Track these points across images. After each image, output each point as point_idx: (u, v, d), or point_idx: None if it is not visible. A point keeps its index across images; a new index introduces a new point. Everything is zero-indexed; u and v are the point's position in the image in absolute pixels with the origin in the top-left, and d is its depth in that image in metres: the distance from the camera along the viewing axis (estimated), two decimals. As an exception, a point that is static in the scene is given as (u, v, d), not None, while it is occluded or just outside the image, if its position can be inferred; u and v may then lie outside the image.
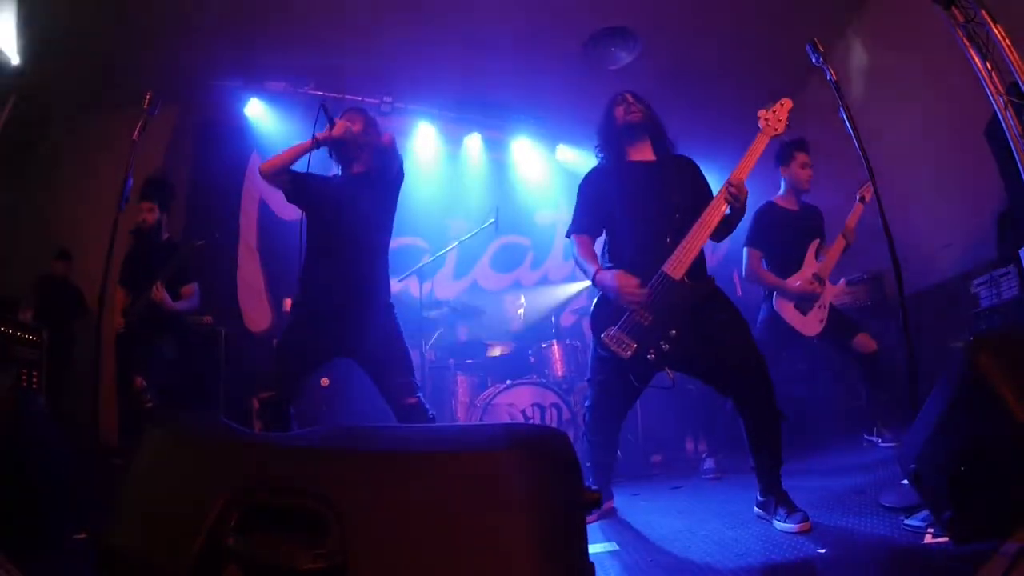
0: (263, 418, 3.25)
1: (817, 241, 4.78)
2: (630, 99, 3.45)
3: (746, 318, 3.18)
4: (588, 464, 3.59)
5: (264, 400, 3.18)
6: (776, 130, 3.14)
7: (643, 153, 3.41)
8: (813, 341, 4.63)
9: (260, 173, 3.51)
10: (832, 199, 5.09)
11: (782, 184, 4.89)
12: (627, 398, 3.42)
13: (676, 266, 2.99)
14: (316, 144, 3.45)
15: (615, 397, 3.36)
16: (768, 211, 4.85)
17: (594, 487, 3.42)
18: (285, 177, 3.49)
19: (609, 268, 3.16)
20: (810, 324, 4.60)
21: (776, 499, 2.92)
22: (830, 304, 4.70)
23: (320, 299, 3.35)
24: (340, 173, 3.66)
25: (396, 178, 3.62)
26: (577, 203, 3.46)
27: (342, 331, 3.30)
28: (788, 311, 4.62)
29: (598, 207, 3.36)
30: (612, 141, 3.45)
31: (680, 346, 2.97)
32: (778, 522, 2.84)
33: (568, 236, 3.44)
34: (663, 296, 2.98)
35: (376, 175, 3.54)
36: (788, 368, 4.77)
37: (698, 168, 3.45)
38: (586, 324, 7.08)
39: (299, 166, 3.48)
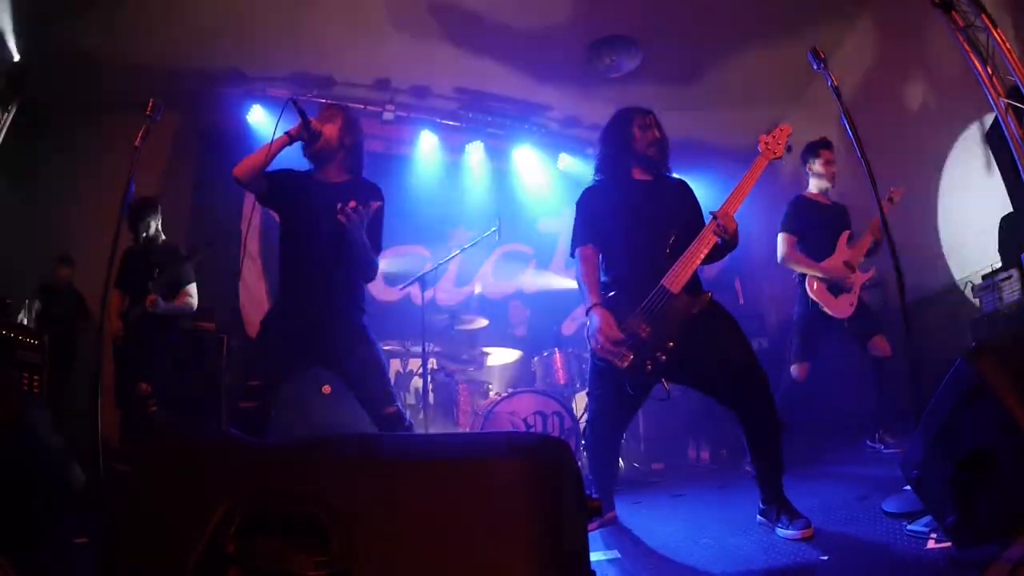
0: (242, 428, 3.18)
1: (848, 232, 4.86)
2: (653, 123, 3.45)
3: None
4: (590, 476, 3.58)
5: (245, 409, 3.14)
6: (775, 154, 3.21)
7: (643, 172, 3.44)
8: (844, 324, 4.71)
9: (234, 177, 3.35)
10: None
11: (810, 181, 5.05)
12: (626, 410, 3.41)
13: (674, 280, 3.01)
14: (289, 140, 3.34)
15: (614, 409, 3.35)
16: (800, 201, 5.01)
17: (595, 496, 3.44)
18: (261, 180, 3.36)
19: (606, 300, 3.16)
20: (841, 307, 4.70)
21: (778, 506, 2.91)
22: (859, 295, 4.80)
23: (297, 310, 3.32)
24: (314, 171, 3.53)
25: (379, 215, 3.51)
26: (577, 218, 3.45)
27: (319, 343, 3.28)
28: (821, 292, 4.71)
29: (598, 221, 3.35)
30: (624, 160, 3.44)
31: (677, 358, 2.98)
32: (780, 529, 2.83)
33: (573, 254, 3.41)
34: (661, 309, 3.00)
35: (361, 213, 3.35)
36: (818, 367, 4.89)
37: (691, 191, 3.49)
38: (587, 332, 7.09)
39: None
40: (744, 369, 3.01)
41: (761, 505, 3.05)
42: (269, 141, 3.29)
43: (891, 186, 4.66)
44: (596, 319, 3.05)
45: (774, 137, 3.24)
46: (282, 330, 3.30)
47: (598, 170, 3.56)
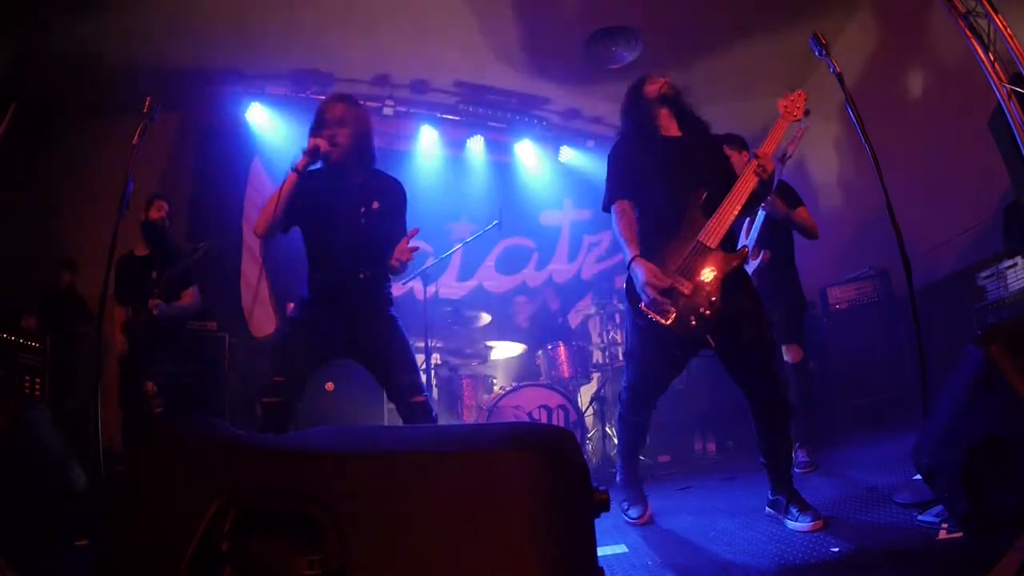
0: (264, 423, 3.19)
1: (748, 219, 4.61)
2: (660, 78, 3.44)
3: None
4: (616, 451, 3.59)
5: (268, 405, 3.13)
6: (795, 116, 3.21)
7: (671, 129, 3.39)
8: None
9: (256, 235, 3.30)
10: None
11: None
12: (668, 371, 3.34)
13: (711, 235, 3.00)
14: (298, 175, 3.17)
15: (657, 370, 3.30)
16: None
17: (626, 476, 3.49)
18: (283, 222, 3.28)
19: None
20: None
21: (787, 497, 2.90)
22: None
23: (324, 306, 3.28)
24: (326, 170, 3.34)
25: (402, 208, 3.46)
26: (610, 171, 3.41)
27: (347, 335, 3.26)
28: None
29: (632, 175, 3.32)
30: (645, 114, 3.40)
31: (720, 312, 2.95)
32: (790, 521, 2.81)
33: (607, 208, 3.37)
34: (700, 264, 2.99)
35: (383, 211, 3.34)
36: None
37: (720, 145, 3.50)
38: (592, 324, 7.07)
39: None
40: (755, 348, 3.02)
41: (770, 496, 3.04)
42: (278, 186, 3.15)
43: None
44: (640, 271, 2.99)
45: (792, 101, 3.23)
46: (309, 326, 3.27)
47: (623, 131, 3.53)
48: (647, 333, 3.15)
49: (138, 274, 4.81)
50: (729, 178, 3.19)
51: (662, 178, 3.23)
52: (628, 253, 3.13)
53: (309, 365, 3.28)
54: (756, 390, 3.03)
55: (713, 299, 2.95)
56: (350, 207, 3.29)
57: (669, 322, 2.95)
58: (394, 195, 3.46)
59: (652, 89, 3.40)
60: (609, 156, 3.46)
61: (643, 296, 3.00)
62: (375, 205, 3.33)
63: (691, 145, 3.34)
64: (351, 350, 3.35)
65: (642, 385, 3.36)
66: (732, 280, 3.02)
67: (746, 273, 3.20)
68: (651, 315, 2.98)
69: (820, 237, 4.44)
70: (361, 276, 3.28)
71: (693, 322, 2.94)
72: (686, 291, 2.95)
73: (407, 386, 3.24)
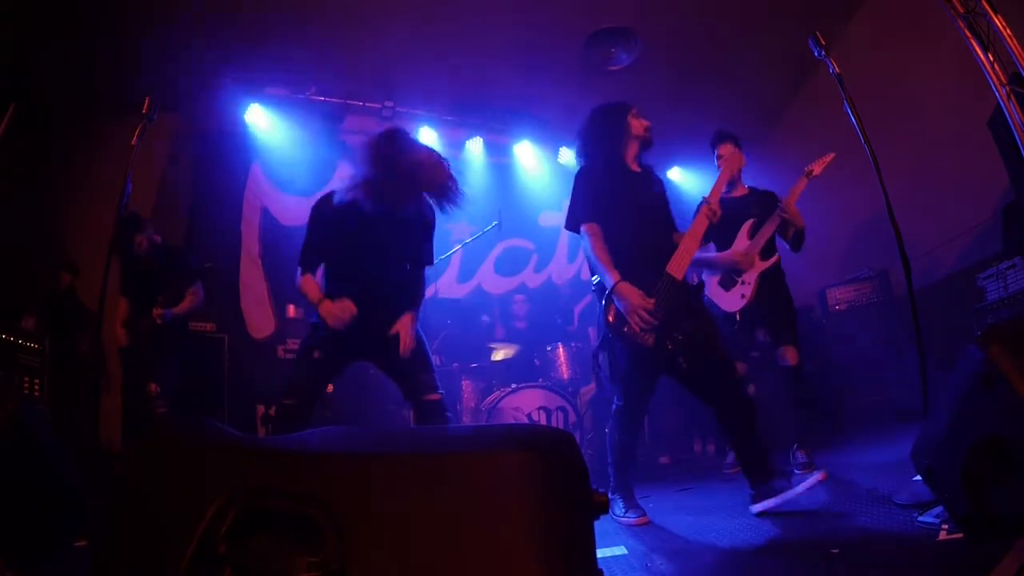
0: (276, 424, 3.23)
1: (751, 221, 4.43)
2: (645, 119, 3.60)
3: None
4: (610, 469, 3.64)
5: (286, 406, 3.17)
6: (732, 171, 3.69)
7: (634, 165, 3.59)
8: (734, 318, 4.39)
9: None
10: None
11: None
12: (651, 391, 3.52)
13: (677, 268, 3.21)
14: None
15: (646, 390, 3.48)
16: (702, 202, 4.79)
17: (619, 493, 3.54)
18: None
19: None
20: (731, 300, 4.41)
21: (780, 473, 3.11)
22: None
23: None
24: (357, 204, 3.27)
25: (431, 232, 3.65)
26: (579, 193, 3.52)
27: (367, 340, 3.33)
28: (712, 286, 4.48)
29: (601, 201, 3.44)
30: (618, 145, 3.54)
31: (690, 337, 3.20)
32: (799, 483, 2.99)
33: (575, 228, 3.48)
34: (669, 294, 3.17)
35: (413, 238, 3.52)
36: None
37: (665, 187, 3.72)
38: (591, 326, 7.06)
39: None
40: (724, 368, 3.26)
41: (751, 491, 3.17)
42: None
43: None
44: (626, 296, 3.16)
45: (732, 155, 3.72)
46: (330, 331, 3.28)
47: (590, 154, 3.63)
48: (637, 358, 3.32)
49: (140, 272, 4.83)
50: (672, 214, 3.62)
51: (630, 209, 3.43)
52: (610, 279, 3.26)
53: (328, 370, 3.39)
54: (725, 400, 3.24)
55: (683, 323, 3.20)
56: (380, 236, 3.35)
57: (651, 343, 3.17)
58: (426, 220, 3.58)
59: (638, 127, 3.55)
60: (576, 178, 3.58)
61: (630, 320, 3.16)
62: (405, 231, 3.44)
63: (649, 181, 3.60)
64: (369, 353, 3.47)
65: (635, 405, 3.52)
66: (691, 305, 3.30)
67: (701, 297, 3.47)
68: (635, 338, 3.17)
69: (819, 238, 4.45)
70: (385, 290, 3.40)
71: (669, 346, 3.19)
72: (660, 319, 3.14)
73: (423, 385, 3.37)
